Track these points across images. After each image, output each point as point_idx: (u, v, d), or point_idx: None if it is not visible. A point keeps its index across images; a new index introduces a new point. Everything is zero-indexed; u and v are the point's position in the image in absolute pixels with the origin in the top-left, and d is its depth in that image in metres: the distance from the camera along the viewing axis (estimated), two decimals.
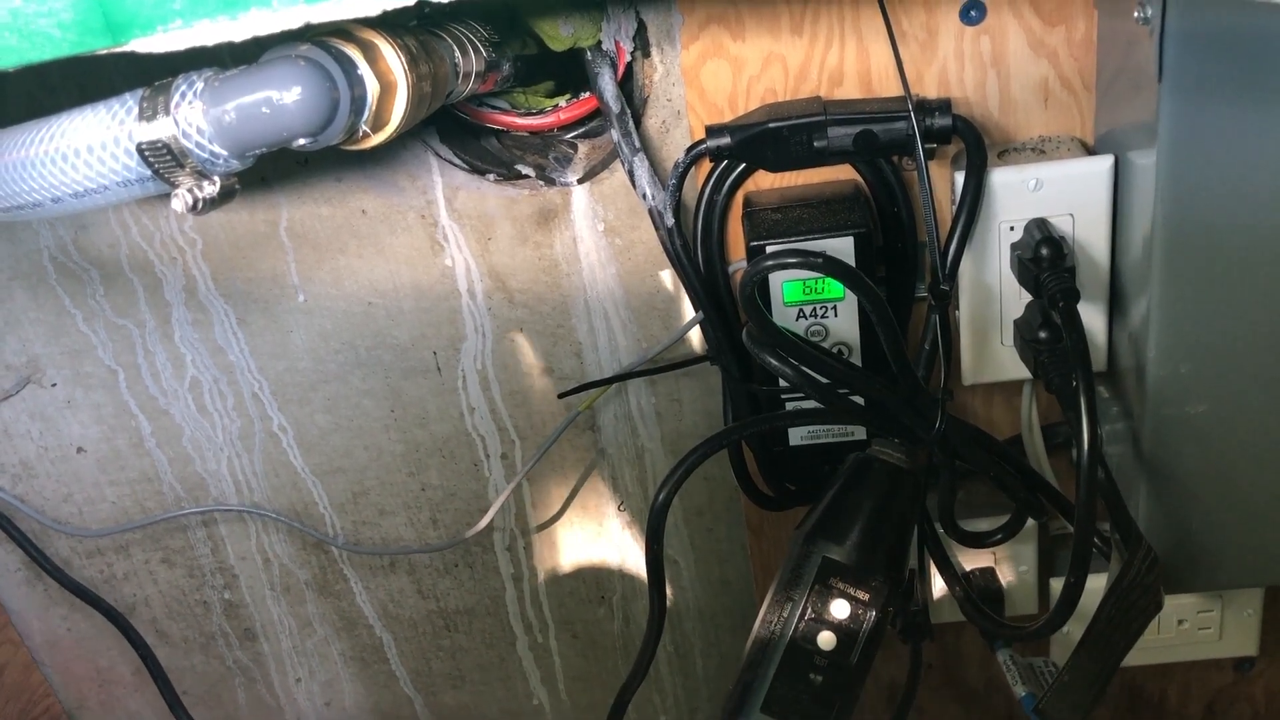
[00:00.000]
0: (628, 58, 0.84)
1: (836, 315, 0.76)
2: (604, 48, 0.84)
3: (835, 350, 0.76)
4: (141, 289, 0.97)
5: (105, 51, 0.49)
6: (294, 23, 0.48)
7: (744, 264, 0.80)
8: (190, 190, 0.53)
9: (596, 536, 1.07)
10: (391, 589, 1.12)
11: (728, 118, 0.78)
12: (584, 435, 1.01)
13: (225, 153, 0.52)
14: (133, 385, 1.02)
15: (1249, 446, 0.70)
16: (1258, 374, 0.67)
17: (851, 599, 0.69)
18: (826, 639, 0.69)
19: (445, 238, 0.93)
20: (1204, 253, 0.65)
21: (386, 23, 0.58)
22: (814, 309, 0.75)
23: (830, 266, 0.61)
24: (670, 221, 0.78)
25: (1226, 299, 0.66)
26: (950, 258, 0.72)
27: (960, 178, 0.72)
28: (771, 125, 0.74)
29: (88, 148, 0.53)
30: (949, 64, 0.76)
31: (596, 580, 1.10)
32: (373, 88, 0.55)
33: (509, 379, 0.99)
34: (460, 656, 1.16)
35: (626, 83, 0.85)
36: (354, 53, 0.55)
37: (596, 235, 0.92)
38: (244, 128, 0.51)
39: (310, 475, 1.06)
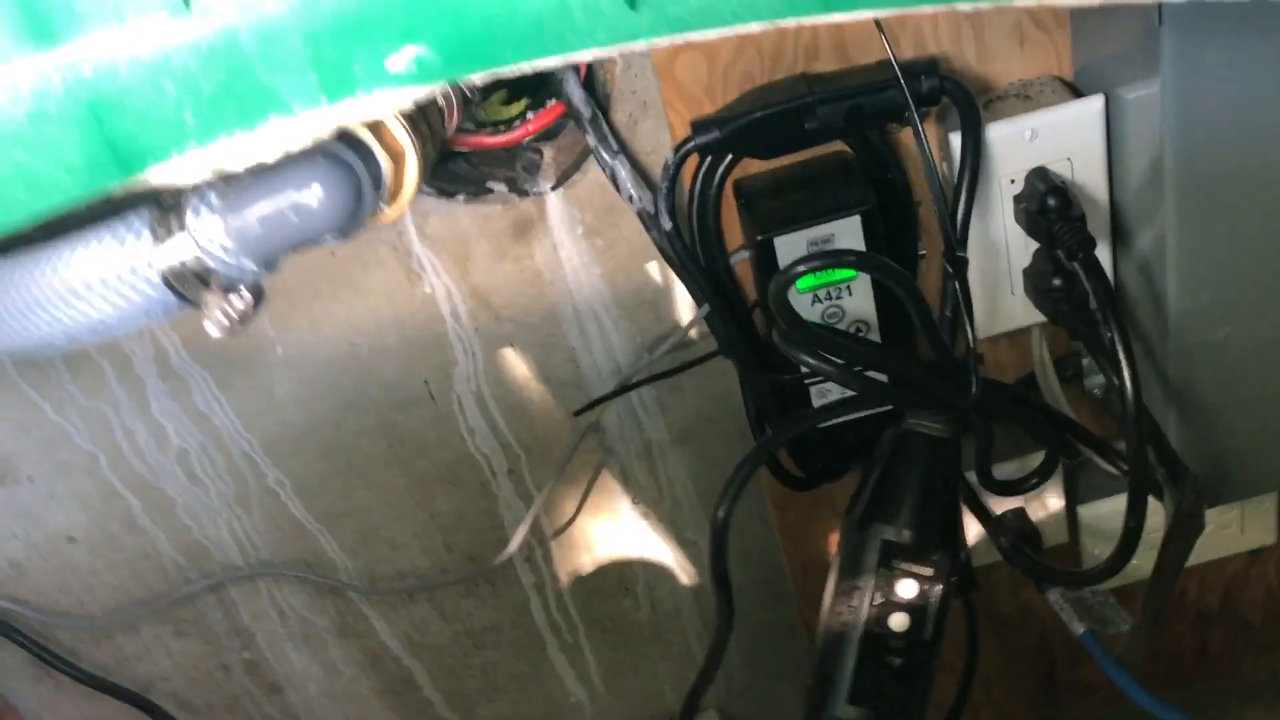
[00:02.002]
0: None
1: (851, 294, 0.75)
2: None
3: (854, 329, 0.76)
4: (110, 369, 0.92)
5: (121, 189, 0.45)
6: (319, 129, 0.45)
7: (745, 254, 0.79)
8: (221, 309, 0.50)
9: (614, 532, 1.06)
10: (414, 619, 1.10)
11: (707, 109, 0.77)
12: (590, 437, 1.00)
13: (254, 266, 0.49)
14: (116, 466, 0.97)
15: (1273, 361, 0.71)
16: (1278, 291, 0.69)
17: (917, 577, 0.69)
18: (899, 620, 0.69)
19: (421, 266, 0.90)
20: (1216, 182, 0.65)
21: None
22: (828, 291, 0.75)
23: (865, 263, 0.60)
24: (668, 224, 0.77)
25: (1242, 224, 0.67)
26: (960, 221, 0.71)
27: (956, 139, 0.72)
28: (760, 114, 0.72)
29: (101, 281, 0.50)
30: (922, 21, 0.74)
31: (619, 574, 1.09)
32: (385, 164, 0.53)
33: (506, 395, 0.97)
34: (492, 671, 1.15)
35: (588, 81, 0.83)
36: (362, 132, 0.52)
37: (576, 239, 0.90)
38: (271, 236, 0.48)
39: (315, 523, 1.03)
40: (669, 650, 1.15)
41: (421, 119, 0.58)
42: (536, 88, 0.85)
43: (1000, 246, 0.76)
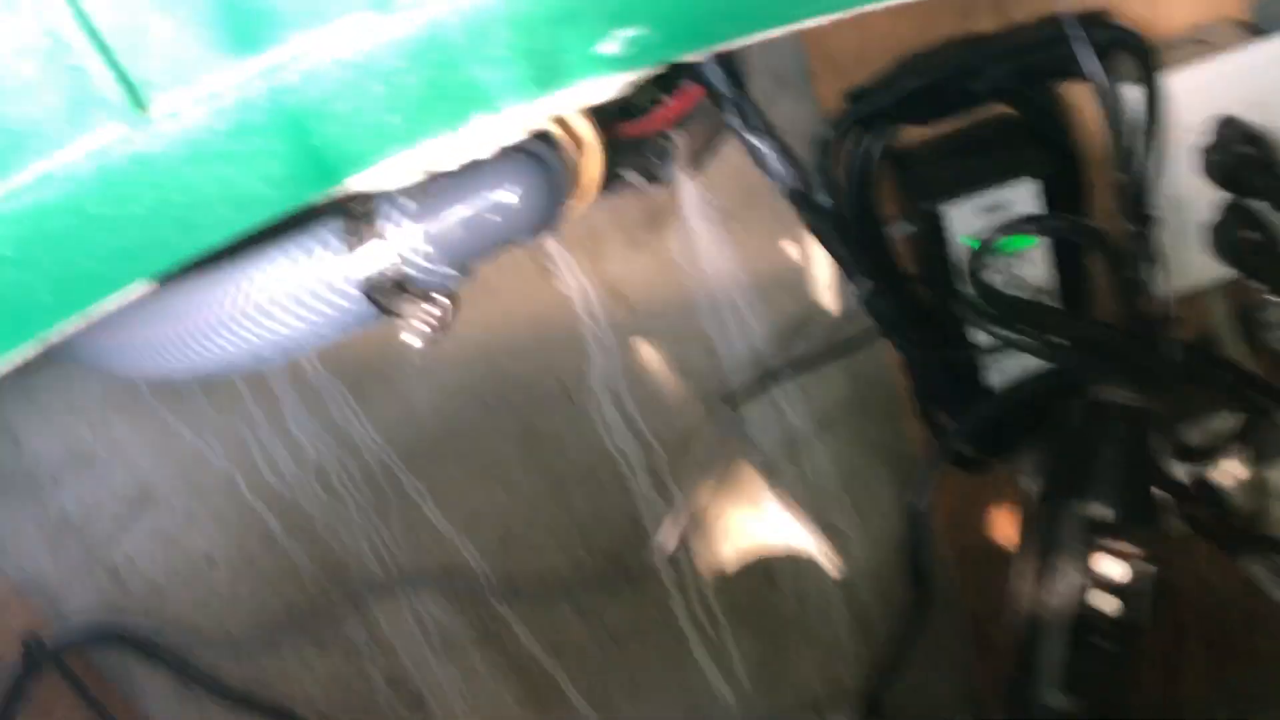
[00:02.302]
0: None
1: (1029, 261, 0.71)
2: None
3: (1035, 298, 0.72)
4: (246, 388, 0.91)
5: (320, 199, 0.43)
6: (523, 123, 0.43)
7: (908, 227, 0.75)
8: (421, 317, 0.47)
9: (757, 524, 1.03)
10: (555, 621, 1.08)
11: (858, 80, 0.73)
12: (730, 428, 0.97)
13: (454, 271, 0.47)
14: (253, 485, 0.96)
15: None
16: None
17: (1126, 556, 0.65)
18: (1110, 603, 0.65)
19: (554, 262, 0.87)
20: None
21: None
22: (1006, 263, 0.71)
23: (1073, 228, 0.56)
24: (828, 202, 0.73)
25: None
26: (1147, 179, 0.67)
27: (1127, 93, 0.67)
28: (924, 79, 0.68)
29: (294, 298, 0.47)
30: None
31: (763, 566, 1.06)
32: (572, 157, 0.50)
33: (642, 390, 0.94)
34: (636, 672, 1.12)
35: (722, 56, 0.79)
36: (548, 124, 0.49)
37: (712, 225, 0.87)
38: (471, 240, 0.46)
39: (454, 531, 1.01)
40: (817, 643, 1.12)
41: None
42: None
43: (1182, 200, 0.71)
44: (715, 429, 0.96)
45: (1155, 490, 0.68)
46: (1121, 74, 0.70)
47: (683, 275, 0.89)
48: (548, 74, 0.41)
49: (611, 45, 0.41)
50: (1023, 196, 0.68)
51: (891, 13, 0.72)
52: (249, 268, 0.49)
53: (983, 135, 0.72)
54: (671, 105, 0.80)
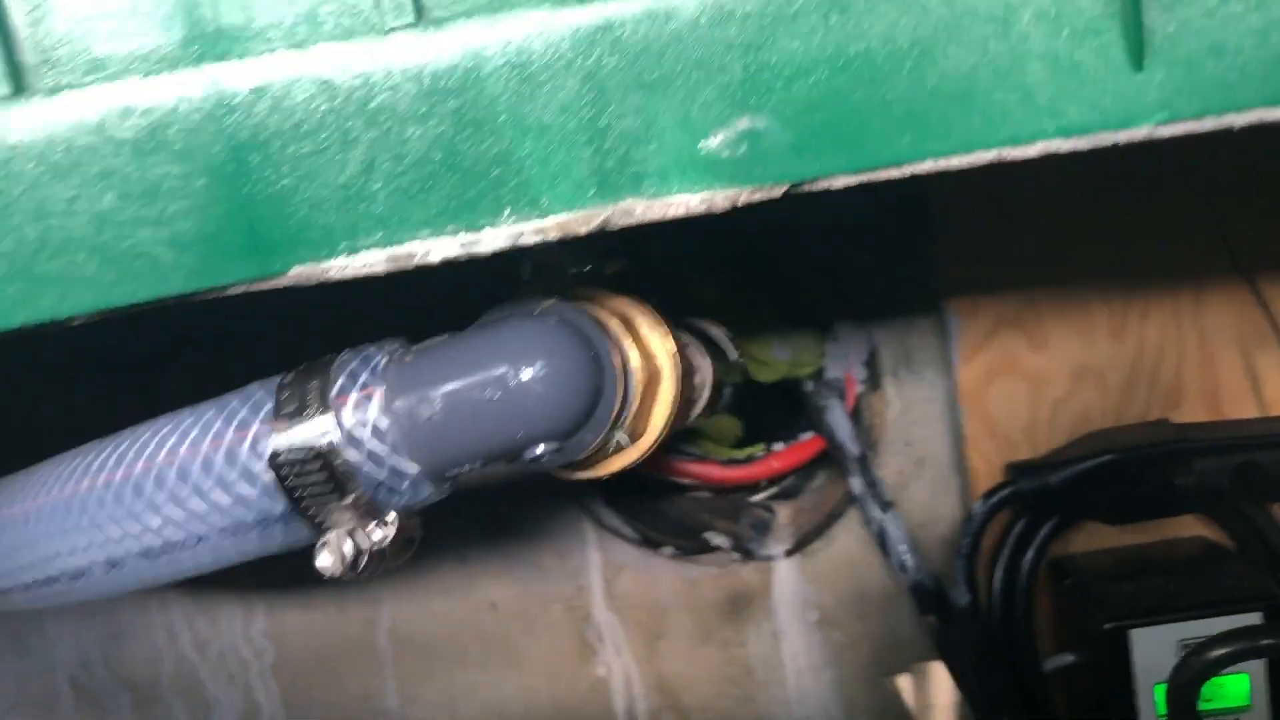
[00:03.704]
0: (858, 389, 0.64)
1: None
2: (828, 377, 0.65)
3: None
4: (185, 718, 0.72)
5: (242, 289, 0.28)
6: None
7: (1067, 658, 0.55)
8: (350, 536, 0.30)
9: None
10: None
11: (1024, 454, 0.57)
12: None
13: (416, 469, 0.30)
14: None
15: None
16: None
17: None
18: None
19: (600, 638, 0.69)
20: None
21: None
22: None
23: None
24: (965, 597, 0.55)
25: None
26: None
27: None
28: (1111, 457, 0.52)
29: (180, 472, 0.31)
30: None
31: None
32: (638, 376, 0.35)
33: None
34: None
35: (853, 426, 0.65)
36: (610, 321, 0.35)
37: (807, 628, 0.68)
38: (454, 426, 0.30)
39: None
40: None
41: (680, 349, 0.40)
42: (774, 431, 0.68)
43: None
44: None
45: None
46: None
47: (758, 688, 0.69)
48: (620, 169, 0.27)
49: (718, 139, 0.27)
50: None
51: (1077, 378, 0.58)
52: (137, 433, 0.33)
53: (1176, 552, 0.55)
54: (782, 456, 0.65)
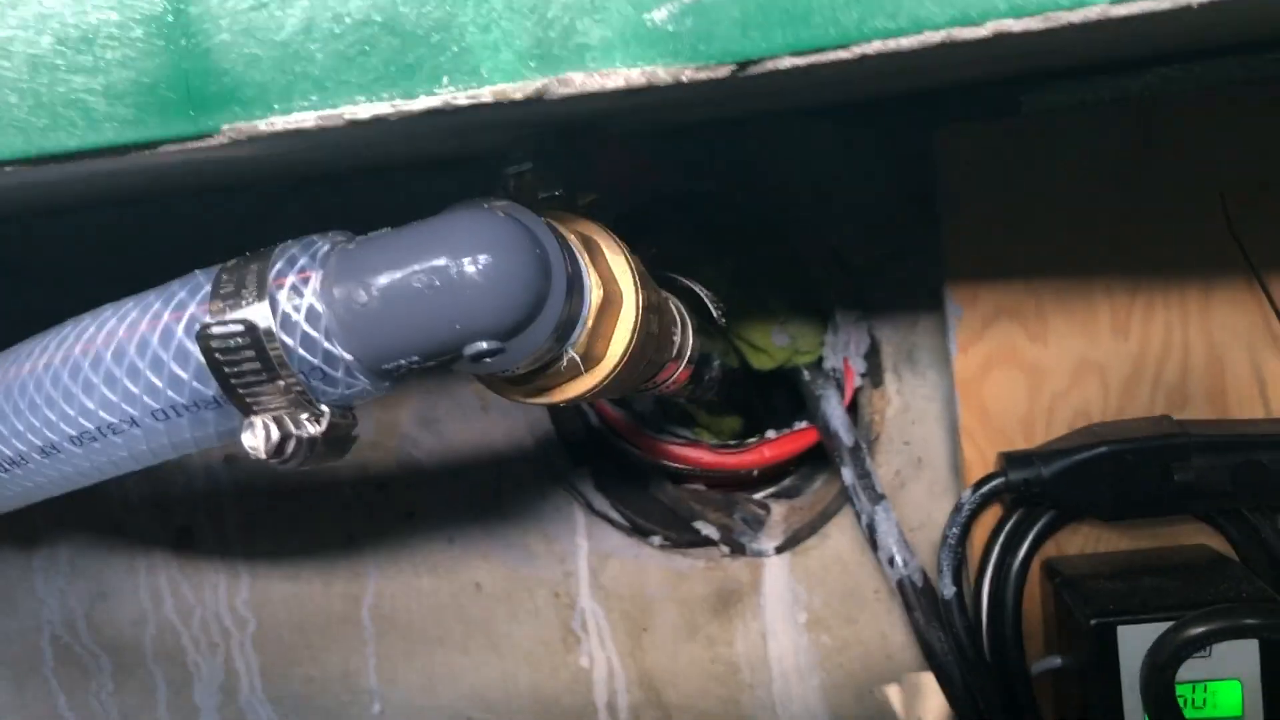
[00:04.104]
0: (857, 382, 0.63)
1: (1214, 694, 0.48)
2: (826, 366, 0.63)
3: None
4: (164, 685, 0.71)
5: (175, 148, 0.28)
6: (512, 105, 0.28)
7: (1054, 660, 0.53)
8: (278, 420, 0.29)
9: None
10: None
11: (1020, 447, 0.55)
12: None
13: (349, 357, 0.30)
14: None
15: None
16: None
17: None
18: None
19: (584, 626, 0.68)
20: None
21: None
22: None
23: None
24: (950, 590, 0.53)
25: None
26: None
27: None
28: (1107, 448, 0.50)
29: (115, 353, 0.31)
30: None
31: None
32: (593, 293, 0.34)
33: None
34: None
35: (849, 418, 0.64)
36: (567, 234, 0.34)
37: (796, 629, 0.66)
38: (390, 314, 0.29)
39: None
40: None
41: (651, 286, 0.39)
42: (777, 423, 0.67)
43: None
44: None
45: None
46: None
47: (743, 689, 0.67)
48: (563, 40, 0.26)
49: (664, 12, 0.26)
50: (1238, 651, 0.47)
51: (1077, 373, 0.56)
52: (92, 315, 0.33)
53: (1173, 559, 0.53)
54: (774, 445, 0.64)
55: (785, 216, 0.63)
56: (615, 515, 0.66)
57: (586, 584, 0.68)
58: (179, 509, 0.70)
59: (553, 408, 0.63)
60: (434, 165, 0.60)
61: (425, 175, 0.61)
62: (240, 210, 0.64)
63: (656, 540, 0.67)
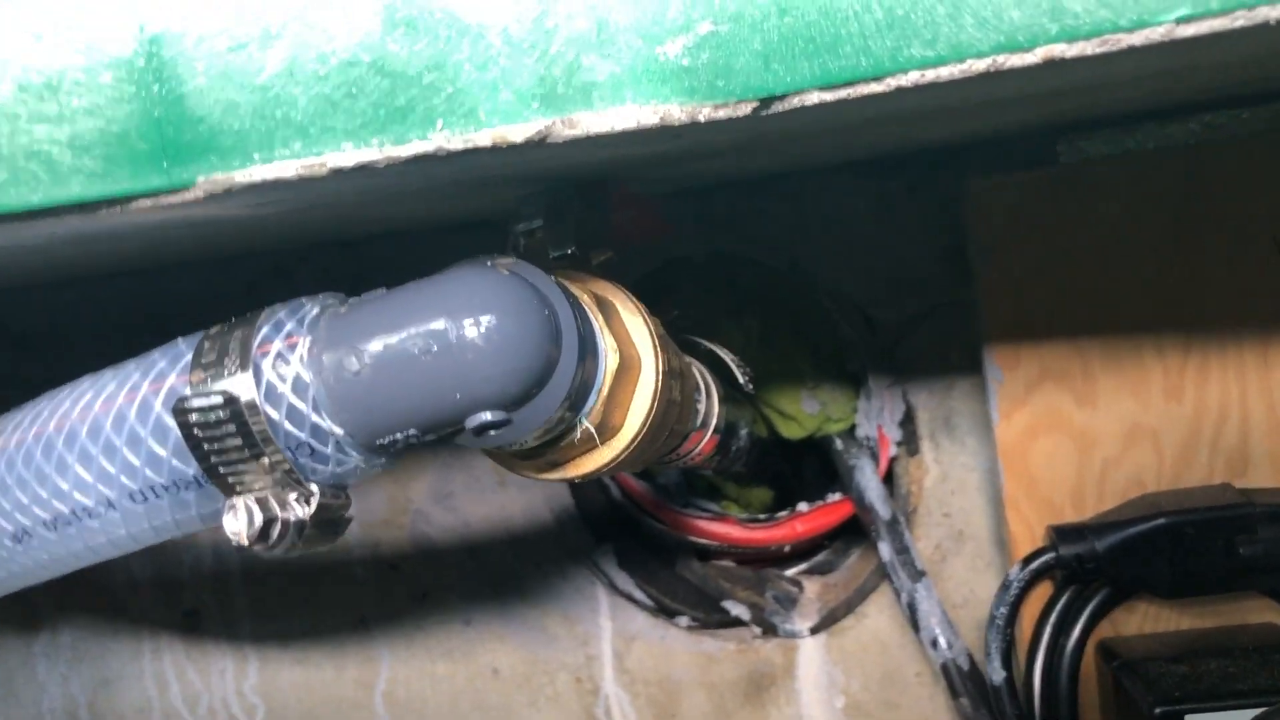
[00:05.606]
0: (892, 451, 0.60)
1: None
2: (860, 434, 0.60)
3: None
4: None
5: (149, 202, 0.26)
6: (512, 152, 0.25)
7: None
8: (262, 502, 0.27)
9: None
10: None
11: (1069, 519, 0.52)
12: None
13: (340, 431, 0.27)
14: None
15: None
16: None
17: None
18: None
19: (608, 713, 0.64)
20: None
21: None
22: None
23: None
24: (999, 675, 0.49)
25: None
26: None
27: None
28: (1168, 521, 0.47)
29: (91, 429, 0.29)
30: None
31: None
32: (609, 358, 0.31)
33: None
34: None
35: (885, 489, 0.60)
36: (580, 295, 0.32)
37: (833, 715, 0.63)
38: (383, 383, 0.27)
39: None
40: None
41: (673, 352, 0.37)
42: (809, 497, 0.64)
43: None
44: None
45: None
46: None
47: None
48: (568, 77, 0.24)
49: (677, 45, 0.24)
50: None
51: (1130, 438, 0.52)
52: (70, 388, 0.31)
53: (1240, 639, 0.49)
54: (806, 518, 0.61)
55: (811, 275, 0.60)
56: (640, 595, 0.63)
57: (611, 668, 0.64)
58: (186, 590, 0.67)
59: (571, 482, 0.60)
60: (457, 228, 0.58)
61: (446, 237, 0.59)
62: (247, 277, 0.62)
63: (684, 621, 0.63)
